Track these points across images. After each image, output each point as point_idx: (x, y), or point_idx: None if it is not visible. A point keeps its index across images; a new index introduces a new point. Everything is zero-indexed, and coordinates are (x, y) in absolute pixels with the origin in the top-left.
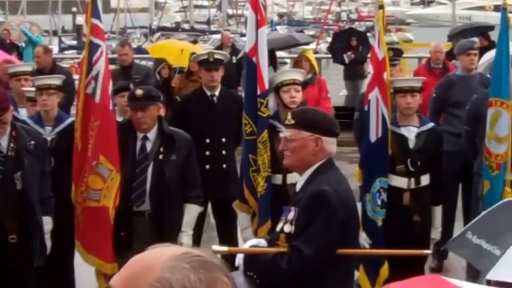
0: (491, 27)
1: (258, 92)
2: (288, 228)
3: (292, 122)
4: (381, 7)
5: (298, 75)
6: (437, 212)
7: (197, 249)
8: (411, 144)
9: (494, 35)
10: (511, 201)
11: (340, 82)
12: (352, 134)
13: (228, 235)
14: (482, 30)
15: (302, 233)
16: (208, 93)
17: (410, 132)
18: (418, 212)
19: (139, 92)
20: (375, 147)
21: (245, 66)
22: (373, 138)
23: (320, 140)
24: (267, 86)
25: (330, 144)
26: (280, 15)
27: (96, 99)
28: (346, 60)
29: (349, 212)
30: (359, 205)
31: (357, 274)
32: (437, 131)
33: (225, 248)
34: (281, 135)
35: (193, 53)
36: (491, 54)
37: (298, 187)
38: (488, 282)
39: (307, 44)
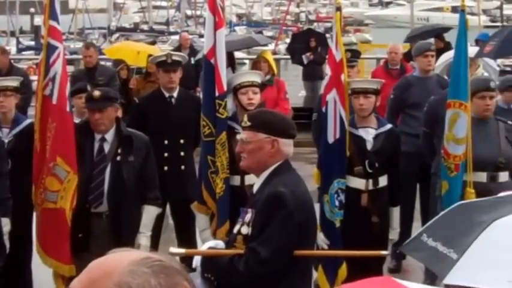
0: (448, 29)
1: (216, 94)
2: (245, 230)
3: (249, 124)
4: (338, 9)
5: (256, 77)
6: (395, 212)
7: (158, 254)
8: (369, 145)
9: (448, 37)
10: (465, 203)
11: (299, 83)
12: (311, 134)
13: (186, 236)
14: (439, 32)
15: (259, 235)
16: (167, 94)
17: (368, 134)
18: (376, 213)
19: (97, 93)
20: (333, 149)
21: (203, 68)
22: (331, 139)
23: (276, 141)
24: (225, 88)
25: (287, 146)
26: (239, 16)
27: (53, 101)
28: (305, 61)
29: (306, 213)
30: (317, 206)
31: (316, 274)
32: (395, 133)
33: (182, 250)
34: (238, 137)
35: (150, 55)
36: (448, 56)
37: (255, 189)
38: (447, 287)
39: (266, 45)
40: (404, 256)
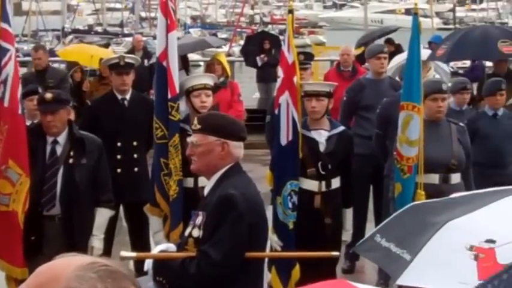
0: (395, 30)
1: (169, 96)
2: (196, 232)
3: (199, 127)
4: (291, 11)
5: (209, 80)
6: (348, 214)
7: (104, 259)
8: (322, 147)
9: (401, 39)
10: (418, 204)
11: (254, 85)
12: (265, 136)
13: (139, 239)
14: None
15: (210, 238)
16: (119, 96)
17: (321, 136)
18: (329, 214)
19: (48, 95)
20: (286, 151)
21: (156, 70)
22: (283, 141)
23: (226, 144)
24: (177, 90)
25: (237, 148)
26: (194, 18)
27: (5, 104)
28: (259, 63)
29: (257, 215)
30: (270, 208)
31: (269, 276)
32: (347, 134)
33: (133, 254)
34: (188, 140)
35: (101, 59)
36: (400, 58)
37: (205, 191)
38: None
39: (220, 47)
40: (357, 257)
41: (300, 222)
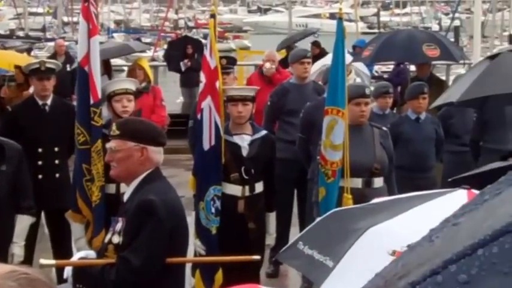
0: (315, 32)
1: (91, 101)
2: (116, 239)
3: (117, 132)
4: (213, 16)
5: (130, 85)
6: (272, 218)
7: (25, 267)
8: (244, 152)
9: (325, 43)
10: (339, 211)
11: (178, 89)
12: (188, 141)
13: (61, 246)
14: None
15: (130, 244)
16: (40, 102)
17: (244, 141)
18: (252, 219)
19: None
20: (208, 156)
21: (77, 76)
22: (206, 146)
23: (146, 149)
24: (99, 95)
25: (156, 153)
26: (117, 23)
27: None
28: (183, 68)
29: (177, 220)
30: (194, 213)
31: (193, 280)
32: (270, 139)
33: (53, 262)
34: (107, 145)
35: (16, 65)
36: (323, 62)
37: (125, 197)
38: None
39: (143, 51)
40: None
41: (224, 227)
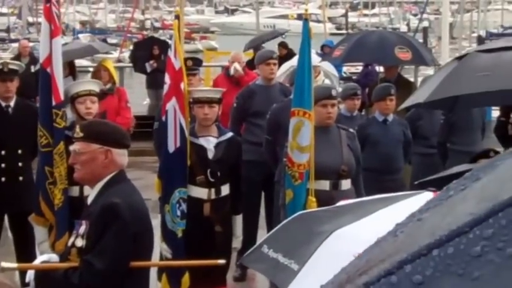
0: (283, 33)
1: (53, 103)
2: (79, 242)
3: (81, 135)
4: (177, 17)
5: (94, 86)
6: (238, 221)
7: None
8: (210, 154)
9: (293, 44)
10: (304, 214)
11: (144, 91)
12: (153, 143)
13: (25, 249)
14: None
15: (93, 247)
16: (3, 104)
17: (209, 143)
18: (219, 222)
19: None
20: (174, 158)
21: (39, 77)
22: (171, 148)
23: (110, 152)
24: (62, 97)
25: (121, 156)
26: (83, 23)
27: None
28: (148, 69)
29: (142, 224)
30: (159, 216)
31: (159, 285)
32: (236, 141)
33: (14, 265)
34: (71, 148)
35: None
36: (290, 64)
37: (89, 200)
38: None
39: (108, 52)
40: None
41: (190, 230)
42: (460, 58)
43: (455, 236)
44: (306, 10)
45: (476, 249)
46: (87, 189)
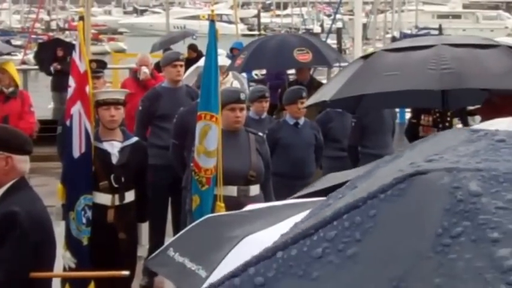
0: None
1: None
2: None
3: None
4: (81, 18)
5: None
6: (144, 228)
7: None
8: (114, 159)
9: (201, 45)
10: (213, 217)
11: (50, 94)
12: (57, 148)
13: None
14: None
15: None
16: None
17: (114, 147)
18: (123, 229)
19: None
20: (78, 163)
21: None
22: (76, 153)
23: (10, 158)
24: None
25: (22, 162)
26: None
27: None
28: (52, 71)
29: (43, 233)
30: (63, 224)
31: None
32: (141, 146)
33: None
34: None
35: None
36: (196, 65)
37: None
38: None
39: (10, 54)
40: (156, 273)
41: (94, 237)
42: (366, 57)
43: (300, 239)
44: (213, 11)
45: (318, 251)
46: None
